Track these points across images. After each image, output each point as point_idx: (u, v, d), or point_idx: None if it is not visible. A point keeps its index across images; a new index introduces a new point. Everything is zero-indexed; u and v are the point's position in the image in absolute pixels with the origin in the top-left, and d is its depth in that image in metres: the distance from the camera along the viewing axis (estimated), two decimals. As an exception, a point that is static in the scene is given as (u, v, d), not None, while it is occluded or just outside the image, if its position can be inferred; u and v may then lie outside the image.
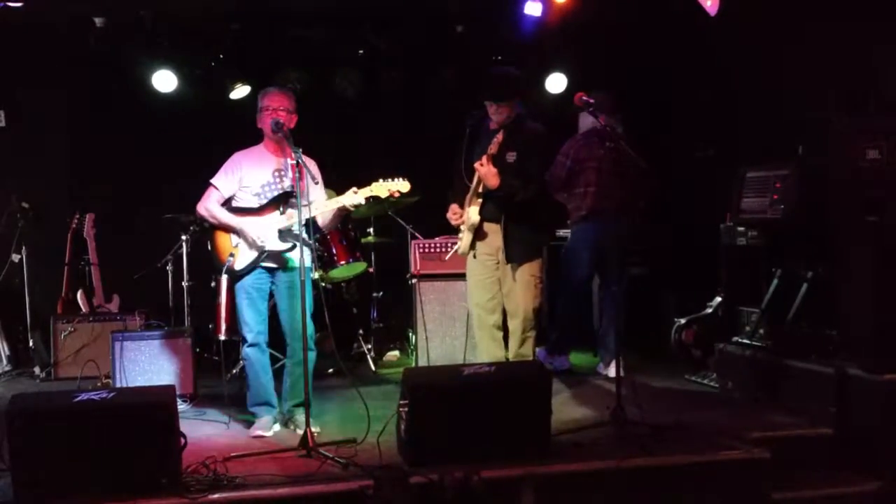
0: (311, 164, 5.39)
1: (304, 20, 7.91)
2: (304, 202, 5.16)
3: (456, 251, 5.92)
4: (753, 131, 7.11)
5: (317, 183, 5.38)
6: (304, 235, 5.14)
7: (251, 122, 5.52)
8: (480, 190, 5.52)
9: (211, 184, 5.45)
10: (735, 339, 6.28)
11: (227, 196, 5.46)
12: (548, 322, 7.31)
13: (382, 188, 5.35)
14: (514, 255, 5.56)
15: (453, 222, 5.73)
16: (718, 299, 6.73)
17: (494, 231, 5.61)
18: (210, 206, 5.44)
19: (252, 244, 5.37)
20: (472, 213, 5.59)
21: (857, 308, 5.47)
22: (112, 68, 7.78)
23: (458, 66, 8.13)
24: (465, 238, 5.70)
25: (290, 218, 5.32)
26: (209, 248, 5.56)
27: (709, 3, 6.13)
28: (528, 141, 5.52)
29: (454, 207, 5.70)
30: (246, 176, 5.44)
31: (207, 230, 5.58)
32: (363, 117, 8.25)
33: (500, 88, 5.56)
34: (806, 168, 5.81)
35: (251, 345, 5.49)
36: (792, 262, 5.99)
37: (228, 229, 5.43)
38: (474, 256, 5.74)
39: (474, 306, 5.81)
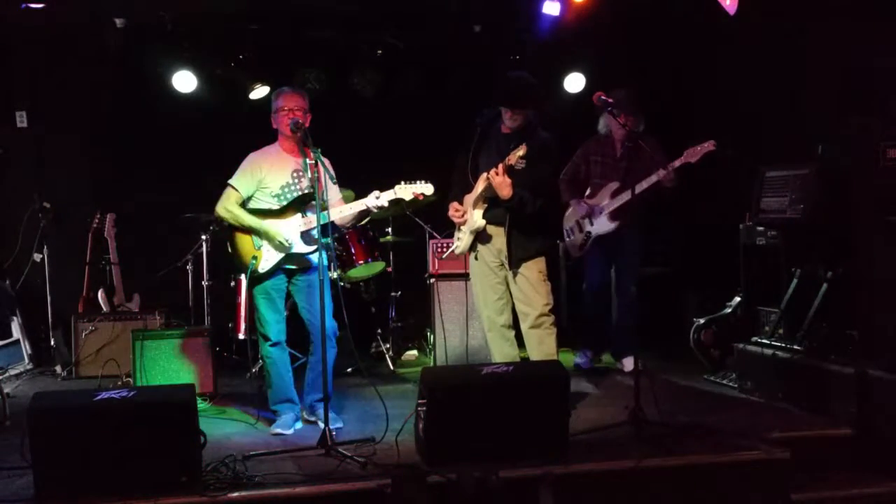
0: (328, 164, 5.41)
1: (323, 20, 7.93)
2: (323, 202, 5.17)
3: (453, 251, 5.87)
4: (774, 131, 7.08)
5: (335, 183, 5.43)
6: (324, 237, 5.16)
7: (270, 122, 5.54)
8: (487, 195, 5.45)
9: (230, 185, 5.47)
10: (754, 339, 6.26)
11: (245, 197, 5.48)
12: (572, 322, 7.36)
13: (406, 191, 5.34)
14: (518, 257, 5.46)
15: (456, 220, 5.63)
16: (738, 299, 6.71)
17: (498, 234, 5.51)
18: (230, 206, 5.45)
19: (279, 247, 5.39)
20: (477, 217, 5.50)
21: (877, 308, 5.44)
22: (132, 69, 7.81)
23: (476, 66, 8.12)
24: (464, 239, 5.62)
25: (312, 221, 5.34)
26: (229, 250, 5.56)
27: (728, 3, 6.09)
28: (539, 150, 5.37)
29: (455, 205, 5.60)
30: (266, 177, 5.46)
31: (227, 231, 5.59)
32: (381, 117, 8.25)
33: (518, 95, 5.44)
34: (826, 168, 5.78)
35: (273, 343, 5.52)
36: (812, 262, 5.96)
37: (251, 231, 5.44)
38: (475, 258, 5.65)
39: (482, 308, 5.70)
